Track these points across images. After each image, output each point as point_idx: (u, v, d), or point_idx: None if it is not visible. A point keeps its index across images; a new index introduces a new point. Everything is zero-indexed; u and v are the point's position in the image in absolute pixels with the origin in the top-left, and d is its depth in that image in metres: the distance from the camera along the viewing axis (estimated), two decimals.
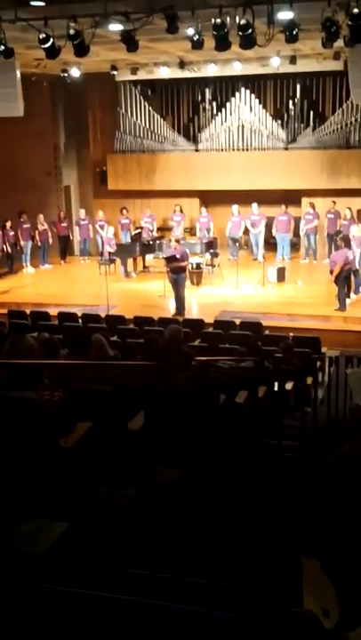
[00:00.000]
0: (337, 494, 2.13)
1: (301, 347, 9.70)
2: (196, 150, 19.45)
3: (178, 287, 13.72)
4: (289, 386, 7.89)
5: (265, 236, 18.02)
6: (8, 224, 17.58)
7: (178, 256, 13.74)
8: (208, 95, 19.70)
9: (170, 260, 13.89)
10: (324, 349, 10.72)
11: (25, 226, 18.13)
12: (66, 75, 16.76)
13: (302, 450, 6.50)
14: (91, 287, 15.73)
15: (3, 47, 10.73)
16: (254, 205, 17.85)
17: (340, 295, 13.39)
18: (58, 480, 3.15)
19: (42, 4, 10.08)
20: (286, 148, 18.71)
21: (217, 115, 19.27)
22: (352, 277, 13.85)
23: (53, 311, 13.02)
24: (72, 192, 21.20)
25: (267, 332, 11.61)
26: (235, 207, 18.04)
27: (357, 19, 9.12)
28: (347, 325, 13.16)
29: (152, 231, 18.82)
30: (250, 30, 9.60)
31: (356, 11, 9.05)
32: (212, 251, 16.93)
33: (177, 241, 14.47)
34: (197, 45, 10.73)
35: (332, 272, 13.25)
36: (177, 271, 13.73)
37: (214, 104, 19.59)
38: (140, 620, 1.85)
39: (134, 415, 4.26)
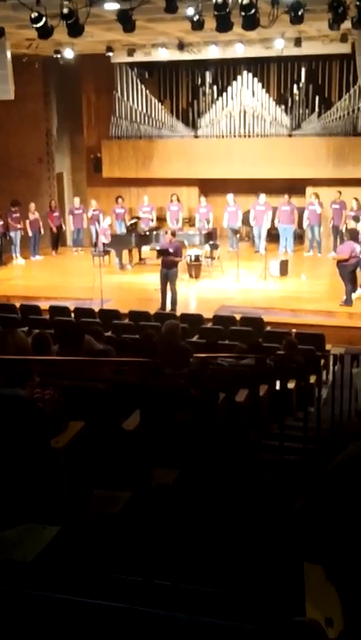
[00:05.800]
0: (341, 497, 2.10)
1: (305, 344, 9.70)
2: (196, 136, 19.23)
3: (168, 282, 13.45)
4: (291, 385, 7.93)
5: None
6: None
7: (171, 250, 13.48)
8: (208, 79, 19.49)
9: (162, 252, 13.63)
10: (328, 346, 10.72)
11: (15, 215, 17.88)
12: (59, 56, 16.51)
13: (305, 452, 6.48)
14: (84, 280, 15.50)
15: None
16: (262, 196, 17.59)
17: (347, 290, 13.30)
18: (49, 482, 3.16)
19: None
20: (290, 135, 18.46)
21: (218, 99, 19.05)
22: (358, 271, 13.61)
23: (44, 305, 12.97)
24: (65, 180, 21.37)
25: (268, 329, 11.53)
26: (230, 196, 17.98)
27: None
28: (352, 322, 13.00)
29: (152, 220, 18.63)
30: (253, 10, 9.41)
31: None
32: (211, 242, 16.74)
33: (172, 233, 14.17)
34: (198, 26, 10.71)
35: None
36: (169, 265, 13.42)
37: (215, 88, 19.40)
38: (135, 630, 1.84)
39: (129, 414, 4.24)
